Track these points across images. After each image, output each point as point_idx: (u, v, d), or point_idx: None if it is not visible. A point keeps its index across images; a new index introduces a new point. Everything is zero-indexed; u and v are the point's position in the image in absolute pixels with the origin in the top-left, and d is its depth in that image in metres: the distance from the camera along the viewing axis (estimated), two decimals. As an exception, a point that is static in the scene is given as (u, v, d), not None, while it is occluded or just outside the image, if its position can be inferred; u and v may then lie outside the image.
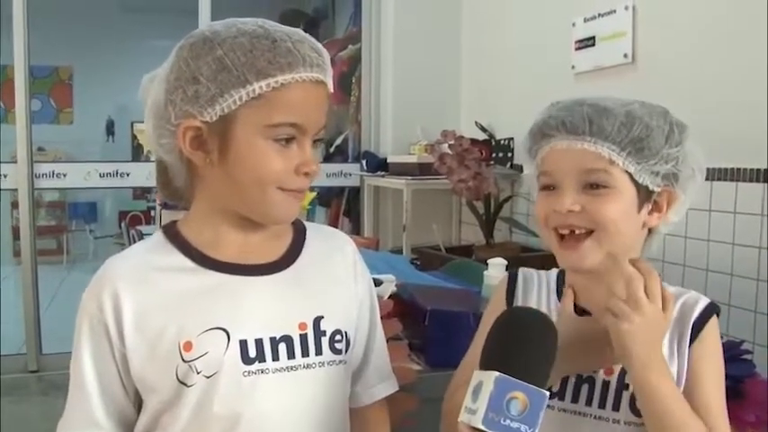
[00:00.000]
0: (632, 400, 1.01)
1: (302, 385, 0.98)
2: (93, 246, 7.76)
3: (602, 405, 1.03)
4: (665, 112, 1.04)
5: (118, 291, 0.96)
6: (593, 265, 1.02)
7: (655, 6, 2.44)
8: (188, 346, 0.94)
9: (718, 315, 1.06)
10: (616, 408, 1.02)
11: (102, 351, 0.97)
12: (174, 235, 1.02)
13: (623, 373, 1.02)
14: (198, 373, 0.93)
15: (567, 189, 1.01)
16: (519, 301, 1.12)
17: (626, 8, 2.53)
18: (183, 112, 0.94)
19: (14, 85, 3.54)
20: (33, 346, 3.58)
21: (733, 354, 1.63)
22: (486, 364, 0.82)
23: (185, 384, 0.94)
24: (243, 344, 0.95)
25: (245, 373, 0.95)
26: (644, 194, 1.02)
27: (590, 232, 1.01)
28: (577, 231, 1.01)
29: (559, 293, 1.11)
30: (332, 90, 1.00)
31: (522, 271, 1.17)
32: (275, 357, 0.97)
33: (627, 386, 1.02)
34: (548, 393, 0.79)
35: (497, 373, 0.79)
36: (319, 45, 0.97)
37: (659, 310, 0.95)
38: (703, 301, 1.06)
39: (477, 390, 0.81)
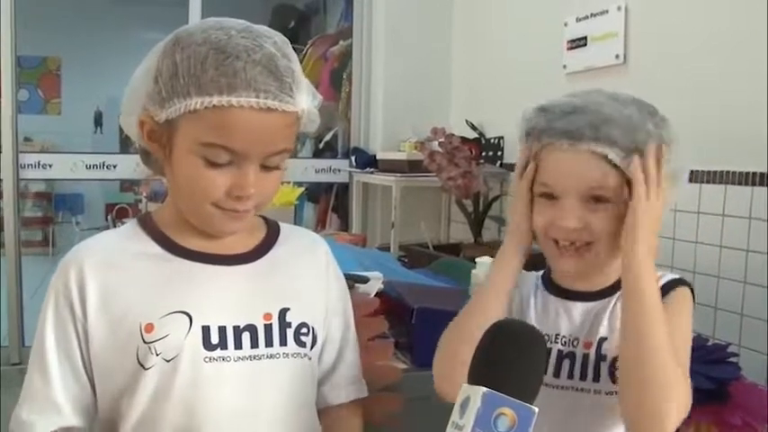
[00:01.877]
0: (611, 369, 1.04)
1: (264, 375, 0.99)
2: (80, 238, 7.61)
3: (583, 377, 1.06)
4: (654, 112, 1.06)
5: (84, 270, 0.97)
6: (590, 271, 1.07)
7: (647, 7, 2.44)
8: (149, 327, 0.95)
9: (693, 291, 1.08)
10: (596, 379, 1.05)
11: (65, 327, 0.97)
12: (146, 223, 1.04)
13: (600, 345, 1.06)
14: (157, 355, 0.94)
15: (572, 206, 1.02)
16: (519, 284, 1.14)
17: (618, 9, 2.53)
18: (142, 106, 0.95)
19: (1, 75, 3.50)
20: (16, 338, 3.55)
21: (719, 356, 1.64)
22: (473, 379, 0.81)
23: (143, 366, 0.94)
24: (205, 330, 0.96)
25: (207, 359, 0.95)
26: None
27: (588, 243, 1.04)
28: (578, 243, 1.04)
29: (546, 284, 1.14)
30: (301, 111, 0.95)
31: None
32: (238, 346, 0.97)
33: (604, 357, 1.05)
34: (536, 409, 0.78)
35: (484, 389, 0.78)
36: (285, 68, 0.92)
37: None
38: (667, 277, 1.09)
39: (465, 405, 0.79)
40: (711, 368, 1.55)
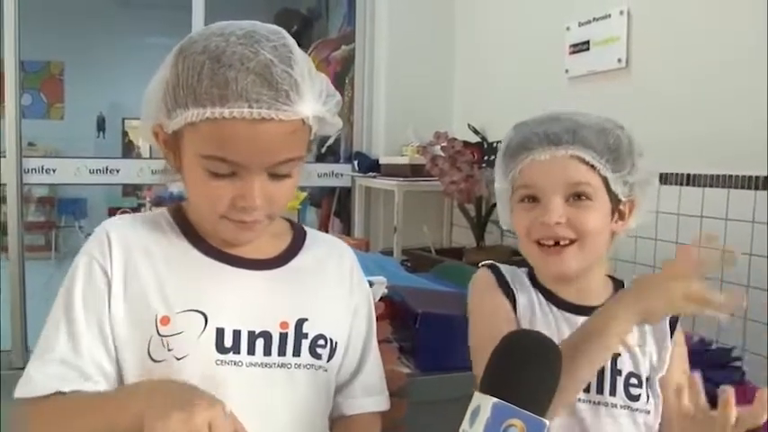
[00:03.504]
0: (626, 384, 1.07)
1: (275, 383, 0.98)
2: (83, 242, 7.66)
3: (599, 391, 1.07)
4: (621, 127, 1.11)
5: (113, 242, 0.97)
6: (575, 273, 1.08)
7: (649, 12, 2.44)
8: (165, 320, 0.94)
9: None
10: (613, 393, 1.07)
11: (97, 288, 0.95)
12: (177, 215, 1.04)
13: (615, 358, 1.07)
14: (169, 350, 0.93)
15: (554, 201, 1.05)
16: (514, 288, 1.14)
17: (621, 13, 2.53)
18: (155, 115, 0.95)
19: (5, 80, 3.51)
20: (19, 342, 3.55)
21: (723, 361, 1.63)
22: (485, 388, 0.81)
23: (153, 359, 0.93)
24: (219, 332, 0.95)
25: (218, 362, 0.94)
26: (614, 204, 1.09)
27: (571, 242, 1.06)
28: (561, 242, 1.05)
29: (544, 294, 1.14)
30: (305, 118, 0.91)
31: (499, 265, 1.21)
32: (251, 351, 0.96)
33: (620, 372, 1.08)
34: (547, 422, 0.78)
35: (495, 399, 0.78)
36: (282, 75, 0.88)
37: None
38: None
39: (475, 414, 0.79)
40: (715, 372, 1.55)
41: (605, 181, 1.06)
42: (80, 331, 0.94)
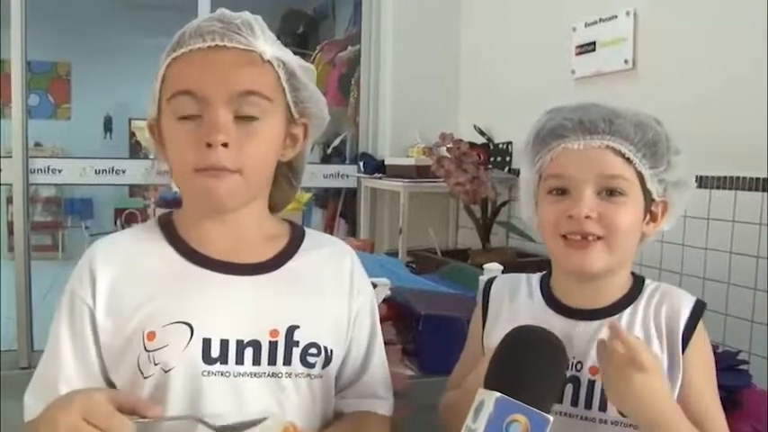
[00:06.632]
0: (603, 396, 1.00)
1: (264, 394, 0.95)
2: (89, 242, 7.66)
3: (588, 406, 1.00)
4: (659, 122, 1.05)
5: (96, 267, 0.96)
6: (599, 271, 1.00)
7: (656, 12, 2.43)
8: (151, 335, 0.93)
9: (702, 311, 1.05)
10: (603, 408, 1.00)
11: (80, 322, 0.95)
12: (165, 225, 1.02)
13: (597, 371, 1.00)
14: (156, 364, 0.92)
15: (585, 194, 0.99)
16: (493, 312, 1.11)
17: (627, 14, 2.52)
18: (151, 111, 1.00)
19: (12, 80, 3.52)
20: (25, 342, 3.56)
21: (729, 364, 1.62)
22: (489, 384, 0.80)
23: (143, 374, 0.92)
24: (206, 342, 0.93)
25: (205, 373, 0.92)
26: (647, 204, 1.03)
27: (599, 238, 0.99)
28: (590, 237, 0.99)
29: (543, 294, 1.09)
30: (262, 52, 0.95)
31: (499, 279, 1.17)
32: (239, 361, 0.94)
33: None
34: (551, 418, 0.76)
35: (498, 394, 0.77)
36: (234, 16, 0.96)
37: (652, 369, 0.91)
38: (689, 302, 1.04)
39: (479, 409, 0.78)
40: (722, 376, 1.53)
41: (640, 177, 1.00)
42: (65, 360, 0.95)
